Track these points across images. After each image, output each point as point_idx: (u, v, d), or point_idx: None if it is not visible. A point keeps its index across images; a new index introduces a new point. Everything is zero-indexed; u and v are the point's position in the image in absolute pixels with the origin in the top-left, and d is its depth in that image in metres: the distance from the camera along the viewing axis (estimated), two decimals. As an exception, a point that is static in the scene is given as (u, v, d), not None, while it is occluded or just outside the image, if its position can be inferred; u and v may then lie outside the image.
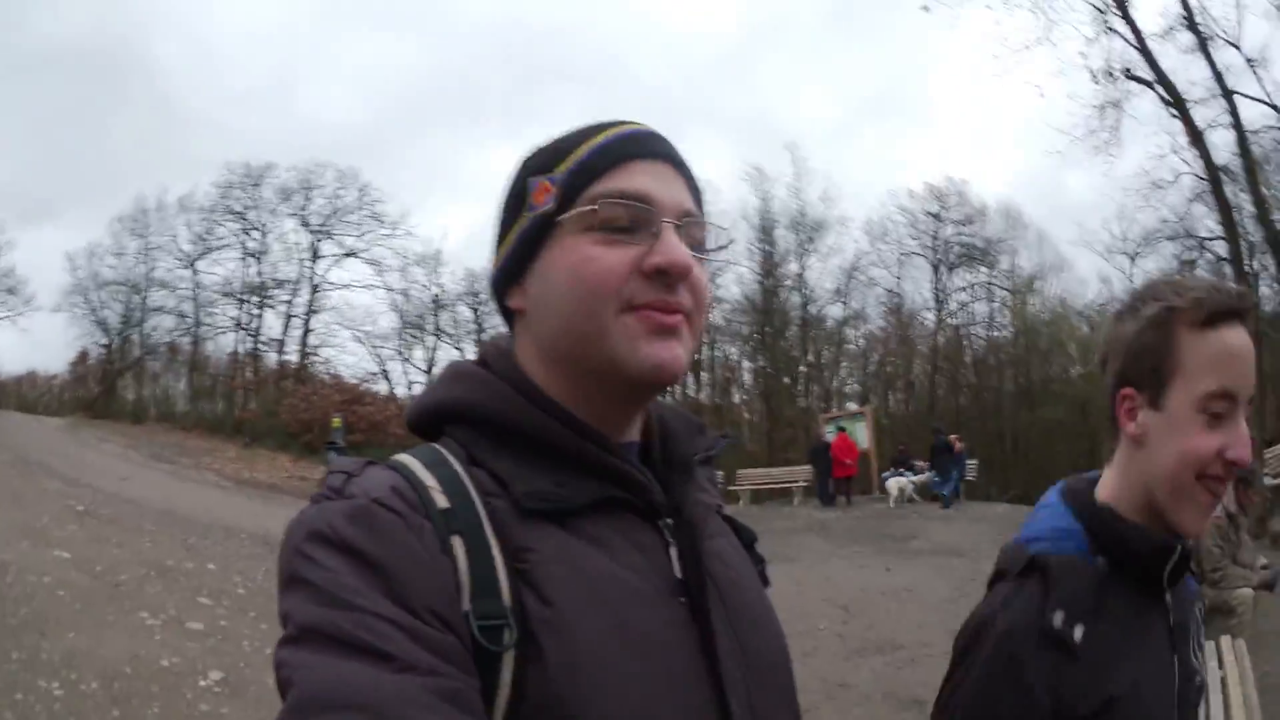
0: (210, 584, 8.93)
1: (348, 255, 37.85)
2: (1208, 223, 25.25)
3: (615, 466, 0.95)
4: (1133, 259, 33.83)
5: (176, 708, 5.64)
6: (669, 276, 0.93)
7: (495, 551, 0.85)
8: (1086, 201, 42.37)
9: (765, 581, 1.13)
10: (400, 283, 38.68)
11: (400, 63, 57.90)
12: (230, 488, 20.31)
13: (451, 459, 0.93)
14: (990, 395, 36.53)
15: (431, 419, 1.01)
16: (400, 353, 38.54)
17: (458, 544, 0.84)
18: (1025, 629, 1.26)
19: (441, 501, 0.87)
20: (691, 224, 0.98)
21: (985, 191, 56.10)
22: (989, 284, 37.55)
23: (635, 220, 0.94)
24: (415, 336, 38.91)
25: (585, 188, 0.95)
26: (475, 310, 38.23)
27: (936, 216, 37.49)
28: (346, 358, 38.68)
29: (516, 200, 1.00)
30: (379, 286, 38.87)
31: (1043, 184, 52.85)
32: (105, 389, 37.11)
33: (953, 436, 21.73)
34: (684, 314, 0.95)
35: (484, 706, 0.79)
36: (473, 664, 0.79)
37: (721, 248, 1.07)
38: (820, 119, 55.41)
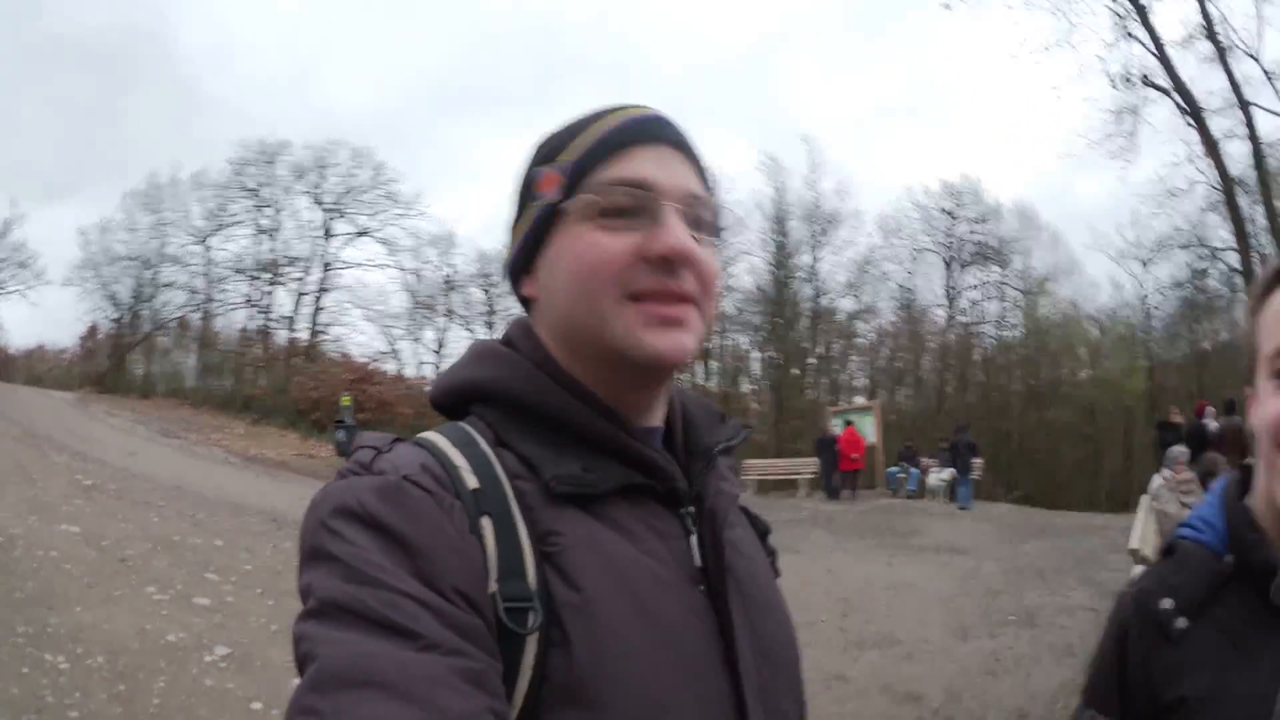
0: (217, 560, 8.98)
1: (360, 234, 37.95)
2: (1221, 233, 25.23)
3: (640, 453, 0.96)
4: (1145, 265, 33.81)
5: (182, 682, 5.67)
6: (670, 262, 0.93)
7: (523, 534, 0.86)
8: (1100, 205, 42.15)
9: (776, 573, 1.15)
10: (412, 263, 38.79)
11: (419, 52, 58.19)
12: (238, 464, 20.39)
13: (479, 439, 0.93)
14: (998, 395, 36.41)
15: (457, 397, 1.01)
16: (411, 333, 38.66)
17: (486, 525, 0.85)
18: (1141, 605, 1.27)
19: (471, 481, 0.87)
20: (698, 207, 0.97)
21: (1000, 191, 55.78)
22: (1001, 283, 37.44)
23: (637, 206, 0.94)
24: (426, 317, 39.03)
25: (587, 175, 0.95)
26: (487, 292, 38.37)
27: (950, 214, 37.39)
28: (357, 336, 38.66)
29: (526, 189, 1.01)
30: (391, 266, 38.98)
31: (1057, 186, 52.74)
32: (114, 363, 37.24)
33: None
34: (690, 300, 0.95)
35: (504, 689, 0.79)
36: (496, 646, 0.79)
37: (727, 228, 1.06)
38: (836, 116, 55.44)
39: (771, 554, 1.17)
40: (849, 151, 63.00)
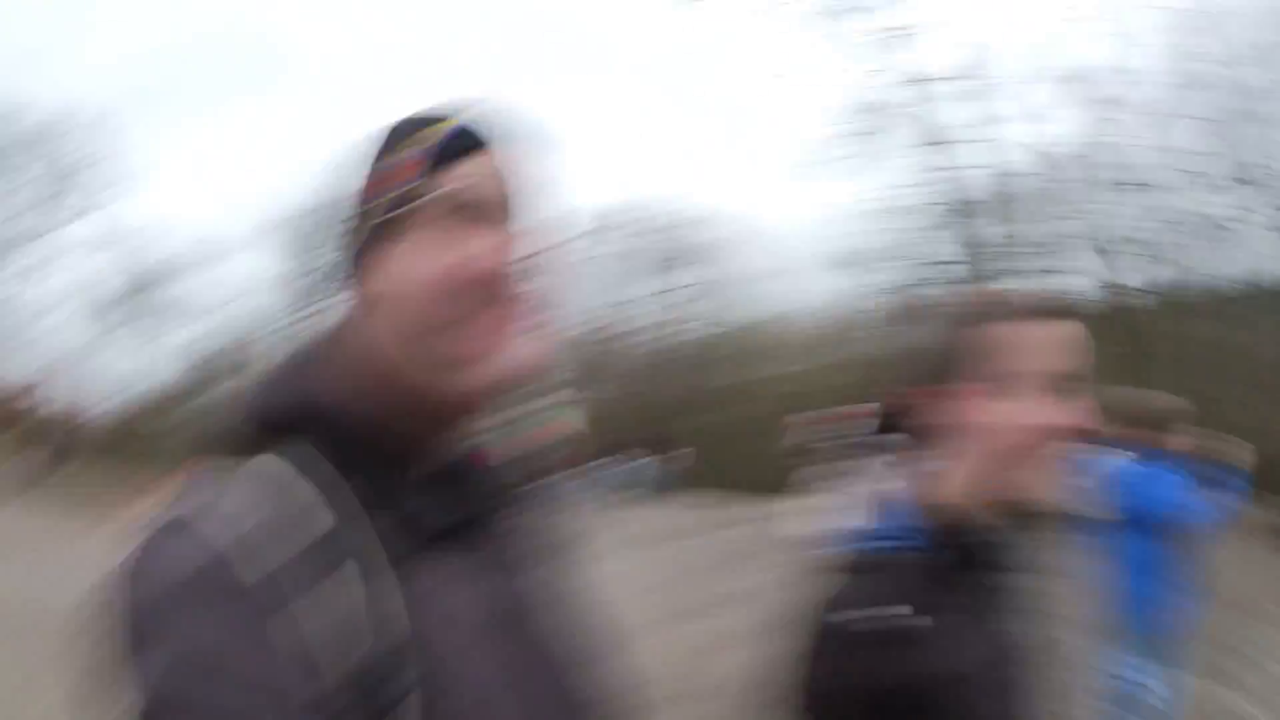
0: None
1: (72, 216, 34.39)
2: (950, 248, 27.22)
3: (457, 487, 0.93)
4: (863, 272, 36.29)
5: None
6: (485, 284, 0.87)
7: (376, 577, 0.80)
8: (825, 213, 44.76)
9: (569, 597, 1.08)
10: (124, 250, 35.65)
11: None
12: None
13: (318, 469, 0.85)
14: (698, 391, 37.90)
15: (281, 416, 0.90)
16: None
17: (341, 570, 0.78)
18: (865, 621, 1.25)
19: (325, 521, 0.80)
20: (515, 214, 0.92)
21: (716, 194, 57.65)
22: (705, 284, 38.82)
23: (464, 217, 0.89)
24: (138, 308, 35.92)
25: (427, 179, 0.90)
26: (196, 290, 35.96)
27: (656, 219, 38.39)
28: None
29: (365, 183, 0.96)
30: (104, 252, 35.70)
31: (782, 190, 55.14)
32: None
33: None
34: (509, 322, 0.89)
35: None
36: (360, 708, 0.74)
37: (566, 237, 0.99)
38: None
39: (566, 576, 1.10)
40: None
